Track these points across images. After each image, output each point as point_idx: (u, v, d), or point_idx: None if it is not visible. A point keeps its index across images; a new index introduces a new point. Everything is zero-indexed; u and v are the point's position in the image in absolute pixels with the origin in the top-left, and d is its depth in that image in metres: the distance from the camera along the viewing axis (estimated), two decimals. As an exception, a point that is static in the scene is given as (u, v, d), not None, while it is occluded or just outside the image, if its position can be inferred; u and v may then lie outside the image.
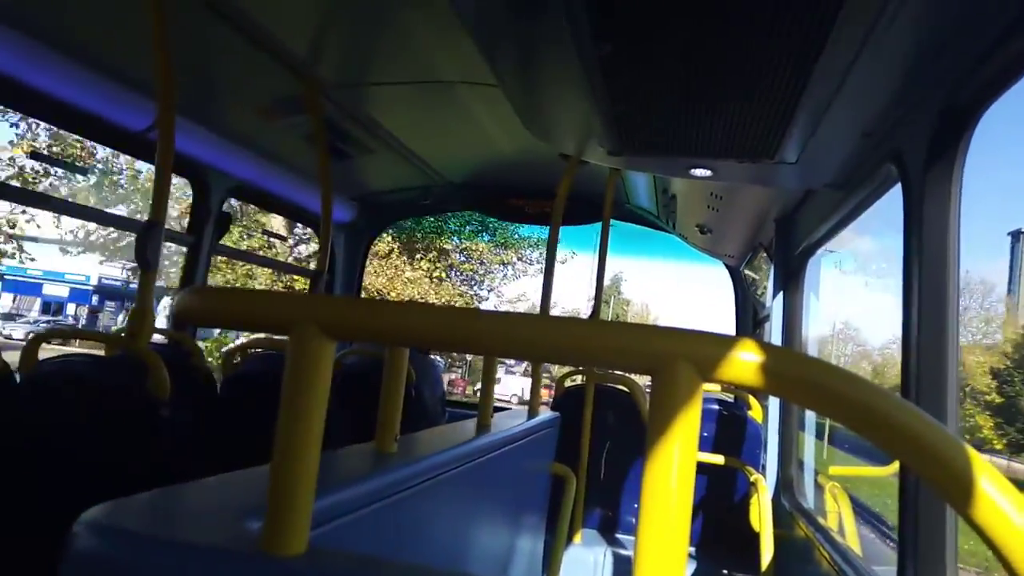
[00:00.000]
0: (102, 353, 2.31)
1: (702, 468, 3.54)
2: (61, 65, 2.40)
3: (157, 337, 2.56)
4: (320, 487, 0.75)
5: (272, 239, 13.01)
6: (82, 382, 1.86)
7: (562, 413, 2.64)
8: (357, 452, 1.24)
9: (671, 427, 0.60)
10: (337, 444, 1.21)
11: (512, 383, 23.57)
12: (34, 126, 14.79)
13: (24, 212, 15.53)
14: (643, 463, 0.62)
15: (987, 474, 0.57)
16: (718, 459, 3.48)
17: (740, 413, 3.83)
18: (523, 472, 2.20)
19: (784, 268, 3.20)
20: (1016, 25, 1.18)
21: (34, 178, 14.13)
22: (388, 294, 16.91)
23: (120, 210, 16.27)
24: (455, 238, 17.81)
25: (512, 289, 22.38)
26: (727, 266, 4.62)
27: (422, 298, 17.41)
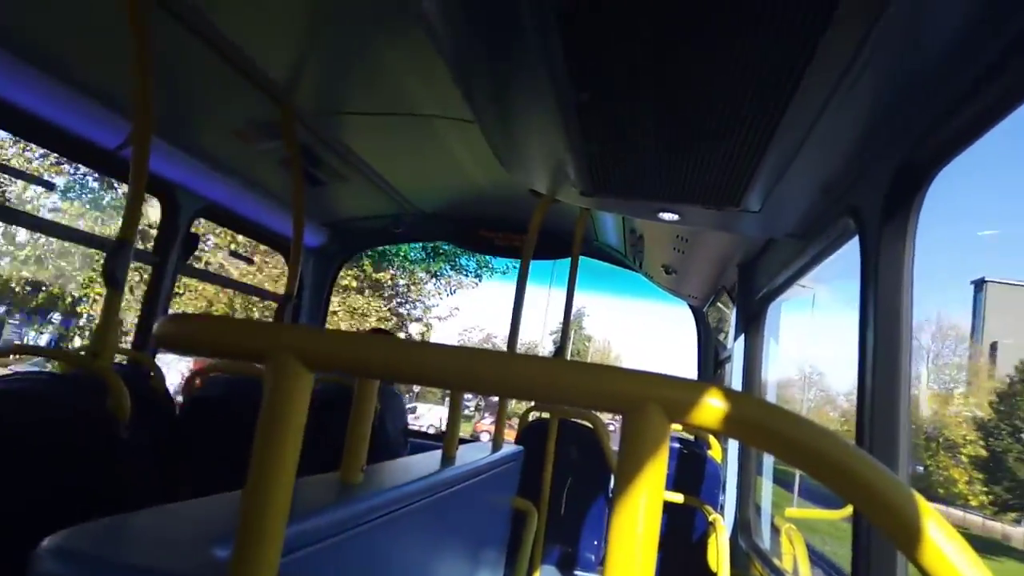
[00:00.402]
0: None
1: (663, 507, 3.55)
2: (34, 79, 2.38)
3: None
4: (289, 516, 0.75)
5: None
6: (40, 399, 1.82)
7: (525, 447, 2.65)
8: (323, 481, 1.24)
9: (640, 467, 0.62)
10: (299, 473, 1.21)
11: (430, 413, 23.30)
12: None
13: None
14: (604, 499, 0.64)
15: (934, 520, 0.60)
16: (678, 497, 3.50)
17: (700, 452, 3.87)
18: (486, 505, 2.20)
19: (745, 312, 3.28)
20: (970, 92, 1.26)
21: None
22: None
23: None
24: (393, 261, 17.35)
25: (445, 304, 21.42)
26: (691, 307, 4.70)
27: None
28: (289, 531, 0.82)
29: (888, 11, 1.11)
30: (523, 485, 2.66)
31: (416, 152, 3.29)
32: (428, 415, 23.36)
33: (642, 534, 0.62)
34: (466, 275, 19.03)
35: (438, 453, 1.88)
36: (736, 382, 3.31)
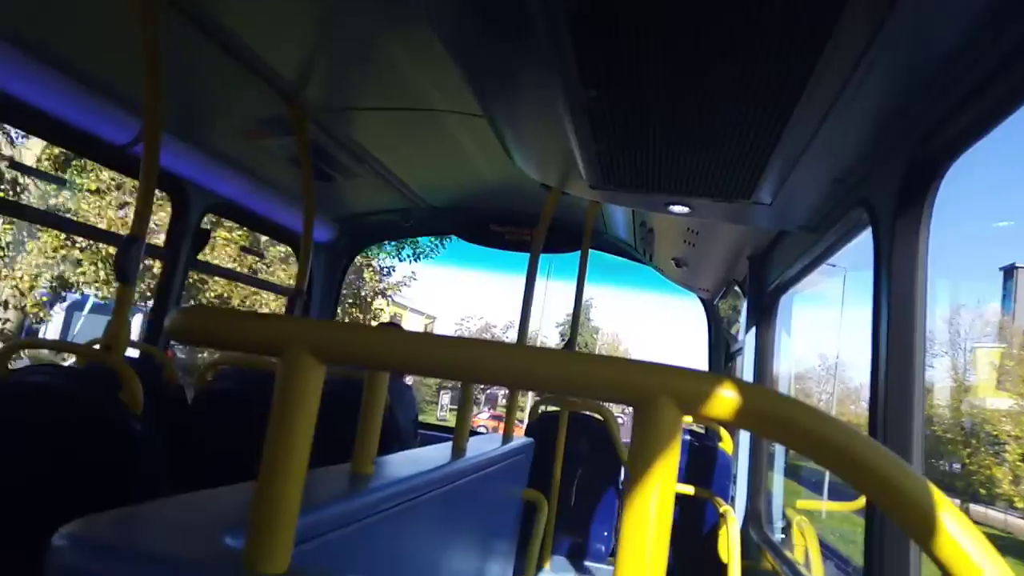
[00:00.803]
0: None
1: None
2: (46, 77, 2.40)
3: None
4: (302, 507, 0.76)
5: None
6: (54, 392, 1.83)
7: (535, 439, 2.65)
8: (336, 473, 1.24)
9: (652, 458, 0.62)
10: (311, 464, 1.22)
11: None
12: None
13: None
14: (614, 491, 0.64)
15: (949, 511, 0.60)
16: (689, 489, 3.50)
17: (711, 445, 3.87)
18: (496, 497, 2.21)
19: (757, 305, 3.26)
20: (983, 85, 1.25)
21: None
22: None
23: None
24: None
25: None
26: (702, 300, 4.69)
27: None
28: (302, 521, 0.83)
29: (898, 5, 1.10)
30: (533, 477, 2.67)
31: (425, 147, 3.29)
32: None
33: (654, 526, 0.62)
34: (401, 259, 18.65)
35: (449, 445, 1.89)
36: (748, 375, 3.30)
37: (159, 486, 1.80)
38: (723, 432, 4.07)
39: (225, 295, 15.25)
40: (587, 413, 3.90)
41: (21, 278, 11.33)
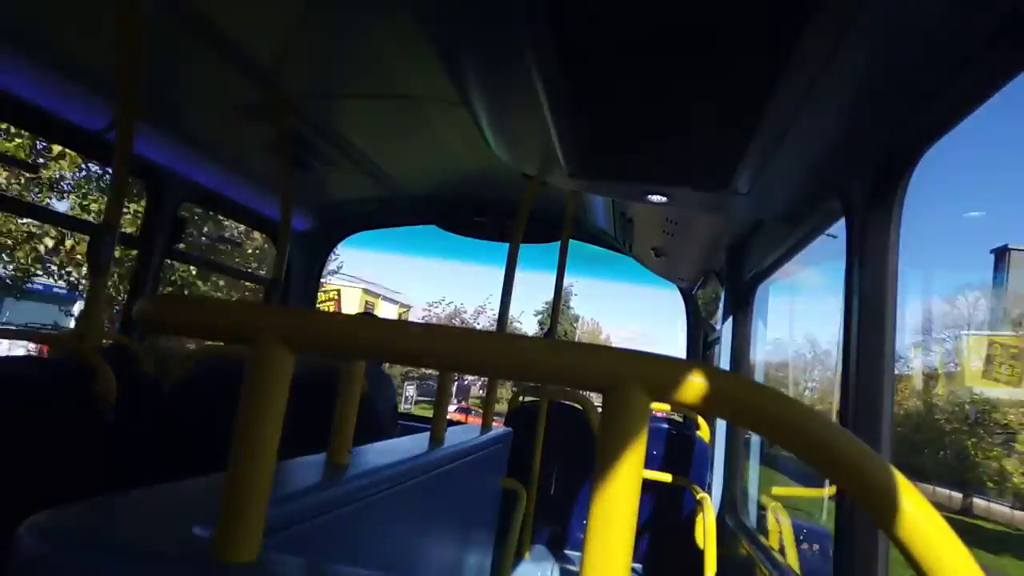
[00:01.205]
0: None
1: (651, 486, 3.59)
2: (16, 61, 2.35)
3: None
4: (272, 496, 0.76)
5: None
6: (25, 383, 1.81)
7: (515, 429, 2.66)
8: (310, 463, 1.24)
9: (620, 444, 0.63)
10: (286, 455, 1.22)
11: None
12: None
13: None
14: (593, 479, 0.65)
15: (912, 497, 0.61)
16: (666, 477, 3.54)
17: (689, 433, 3.91)
18: (475, 486, 2.22)
19: (734, 294, 3.29)
20: (954, 74, 1.27)
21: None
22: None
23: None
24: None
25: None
26: (680, 289, 4.72)
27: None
28: (275, 511, 0.83)
29: None
30: (513, 467, 2.68)
31: (405, 135, 3.27)
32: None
33: (622, 511, 0.62)
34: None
35: (426, 435, 1.89)
36: (724, 364, 3.33)
37: (133, 478, 1.79)
38: (701, 420, 4.11)
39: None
40: (567, 403, 3.92)
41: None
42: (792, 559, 2.87)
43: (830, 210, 1.99)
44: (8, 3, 2.16)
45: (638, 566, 3.70)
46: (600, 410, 0.67)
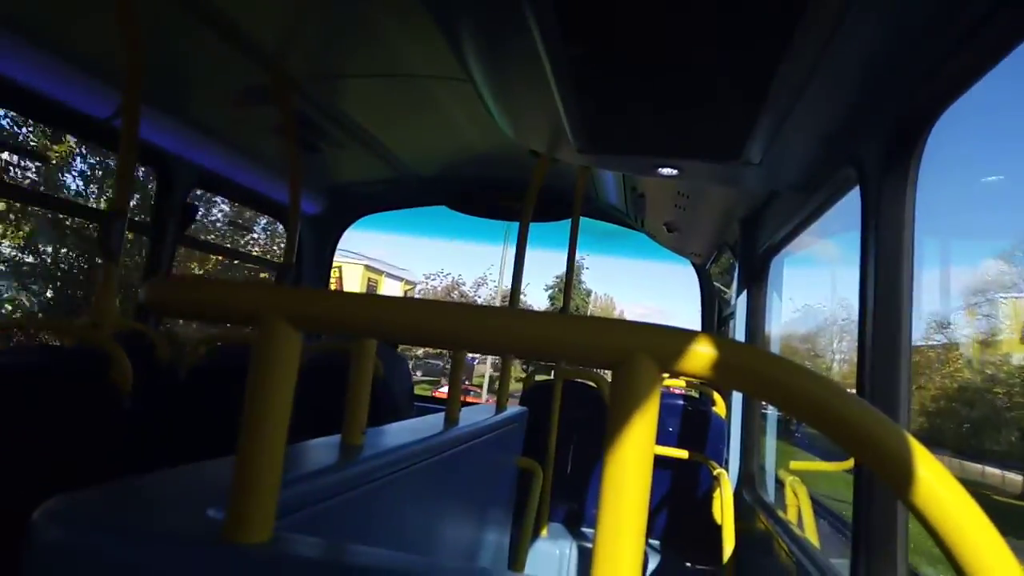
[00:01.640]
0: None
1: (667, 463, 3.59)
2: (21, 50, 2.35)
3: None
4: (286, 478, 0.75)
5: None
6: (42, 371, 1.83)
7: (530, 408, 2.66)
8: (324, 444, 1.24)
9: (631, 415, 0.62)
10: (302, 439, 1.22)
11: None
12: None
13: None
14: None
15: (932, 468, 0.59)
16: (682, 453, 3.53)
17: (704, 409, 3.90)
18: (490, 466, 2.22)
19: (748, 267, 3.26)
20: (966, 36, 1.23)
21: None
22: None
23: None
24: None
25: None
26: (693, 264, 4.69)
27: None
28: (288, 492, 0.83)
29: None
30: (528, 446, 2.68)
31: (413, 115, 3.25)
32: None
33: (634, 485, 0.62)
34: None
35: (441, 415, 1.89)
36: (740, 338, 3.31)
37: (150, 464, 1.80)
38: (716, 396, 4.09)
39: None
40: (582, 381, 3.92)
41: None
42: (811, 533, 2.87)
43: (845, 178, 1.96)
44: None
45: (656, 542, 3.71)
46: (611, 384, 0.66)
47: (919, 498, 0.59)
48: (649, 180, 3.06)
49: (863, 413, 0.61)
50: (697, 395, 4.42)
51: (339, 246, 4.76)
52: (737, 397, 3.43)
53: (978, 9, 1.17)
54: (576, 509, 3.86)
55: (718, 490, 3.17)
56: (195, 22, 2.28)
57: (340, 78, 2.89)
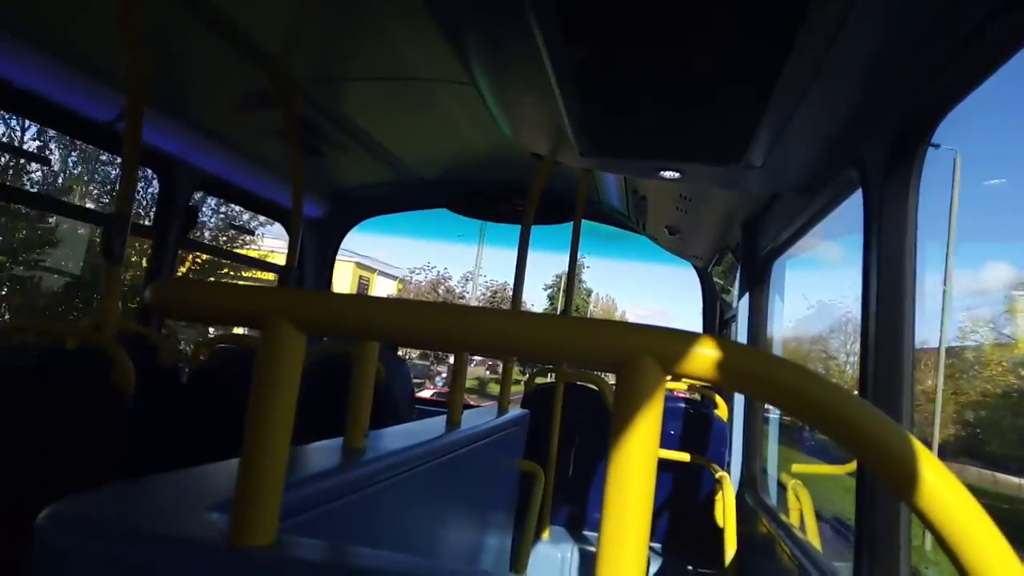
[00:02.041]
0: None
1: (669, 466, 3.59)
2: (25, 53, 2.36)
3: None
4: (289, 480, 0.75)
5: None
6: (45, 373, 1.83)
7: (532, 411, 2.66)
8: (326, 447, 1.24)
9: (635, 418, 0.62)
10: (305, 441, 1.22)
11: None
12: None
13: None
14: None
15: (935, 469, 0.59)
16: (684, 456, 3.53)
17: (707, 412, 3.89)
18: (492, 469, 2.22)
19: (750, 270, 3.26)
20: (968, 38, 1.23)
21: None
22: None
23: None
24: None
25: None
26: (695, 267, 4.69)
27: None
28: (291, 495, 0.83)
29: None
30: (530, 448, 2.68)
31: (415, 119, 3.25)
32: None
33: (638, 484, 0.61)
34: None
35: (443, 418, 1.89)
36: (742, 340, 3.30)
37: (153, 466, 1.80)
38: (718, 399, 4.09)
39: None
40: (583, 384, 3.92)
41: None
42: (813, 536, 2.86)
43: (847, 180, 1.95)
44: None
45: (658, 545, 3.71)
46: (615, 387, 0.66)
47: (922, 501, 0.59)
48: (651, 183, 3.06)
49: (866, 415, 0.60)
50: (699, 398, 4.42)
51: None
52: (739, 400, 3.43)
53: (980, 12, 1.17)
54: (578, 512, 3.85)
55: (720, 493, 3.16)
56: (198, 25, 2.29)
57: (342, 81, 2.89)
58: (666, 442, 3.67)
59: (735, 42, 1.42)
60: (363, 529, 1.19)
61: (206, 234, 16.82)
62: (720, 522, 3.06)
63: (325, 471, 1.08)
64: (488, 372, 31.50)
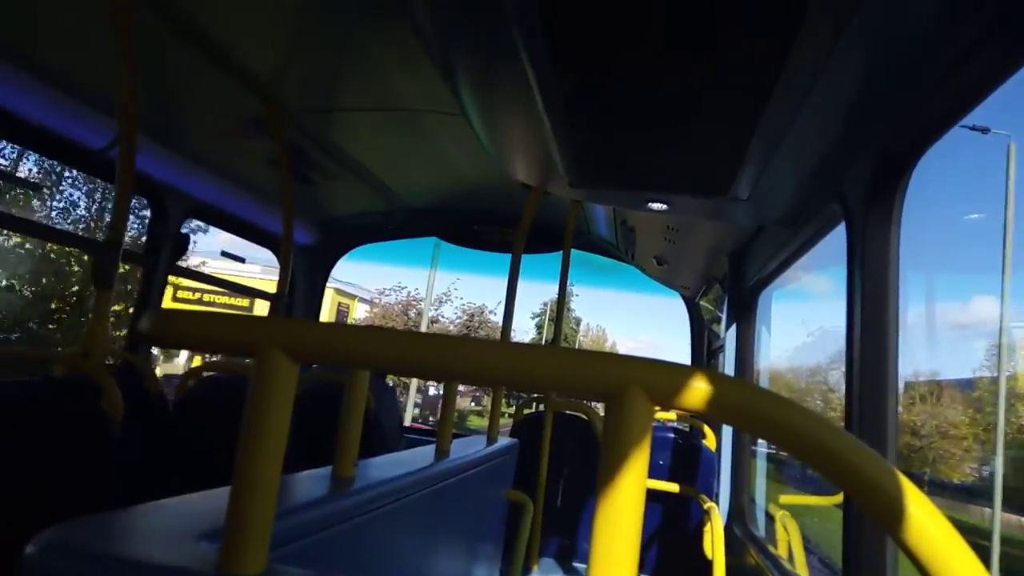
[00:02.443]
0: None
1: (658, 496, 3.58)
2: (18, 80, 2.37)
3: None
4: (279, 509, 0.76)
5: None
6: (33, 401, 1.81)
7: (521, 440, 2.65)
8: (316, 476, 1.24)
9: (625, 451, 0.63)
10: (292, 469, 1.22)
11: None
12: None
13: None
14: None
15: (920, 503, 0.60)
16: (673, 487, 3.52)
17: (695, 442, 3.89)
18: (481, 499, 2.21)
19: (737, 301, 3.29)
20: (949, 75, 1.27)
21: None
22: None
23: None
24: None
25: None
26: (683, 297, 4.72)
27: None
28: (281, 524, 0.83)
29: None
30: (519, 478, 2.67)
31: (406, 148, 3.28)
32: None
33: (627, 514, 0.62)
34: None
35: (432, 447, 1.88)
36: (730, 372, 3.32)
37: (141, 494, 1.79)
38: (707, 430, 4.09)
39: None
40: (572, 414, 3.91)
41: None
42: (801, 568, 2.85)
43: (831, 214, 1.99)
44: (9, 22, 2.18)
45: None
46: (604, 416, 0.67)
47: (907, 533, 0.60)
48: (639, 214, 3.09)
49: (852, 448, 0.62)
50: (687, 428, 4.42)
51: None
52: (727, 431, 3.43)
53: (960, 46, 1.21)
54: (567, 544, 3.82)
55: (709, 524, 3.15)
56: (191, 54, 2.32)
57: (334, 111, 2.92)
58: (655, 472, 3.66)
59: (722, 76, 1.46)
60: (352, 559, 1.18)
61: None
62: (709, 554, 3.05)
63: (315, 500, 1.08)
64: (472, 404, 30.92)
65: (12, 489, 1.63)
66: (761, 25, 1.24)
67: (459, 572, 2.01)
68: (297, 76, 2.62)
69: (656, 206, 2.40)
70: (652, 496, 3.47)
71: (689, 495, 3.56)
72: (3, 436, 1.69)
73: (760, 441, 3.46)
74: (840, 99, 1.51)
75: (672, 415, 4.18)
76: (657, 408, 0.66)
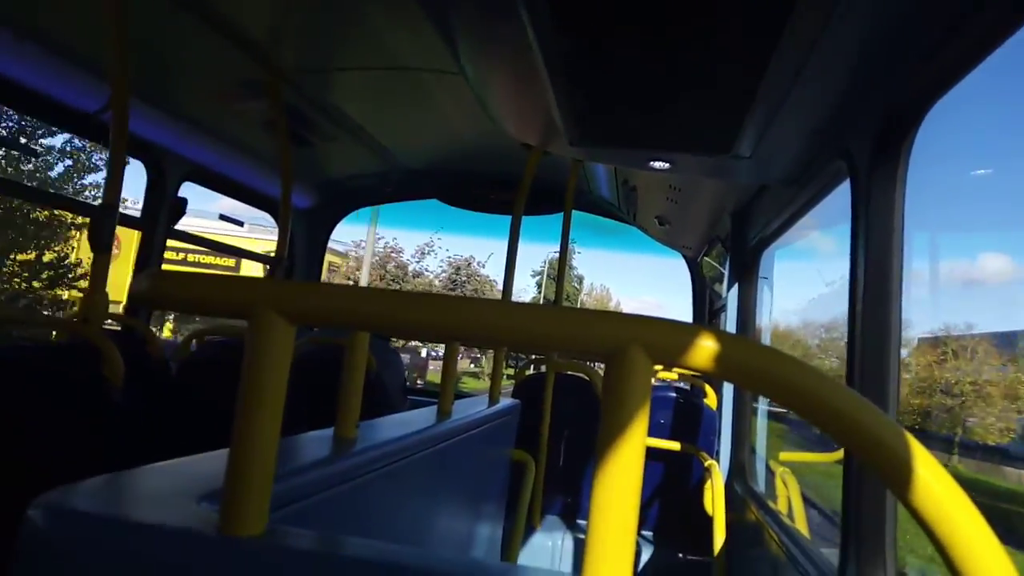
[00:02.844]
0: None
1: (659, 455, 3.61)
2: (8, 42, 2.33)
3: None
4: (279, 471, 0.76)
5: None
6: (33, 367, 1.82)
7: (522, 401, 2.67)
8: (317, 437, 1.25)
9: (623, 408, 0.62)
10: (297, 431, 1.22)
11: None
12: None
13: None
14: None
15: (923, 459, 0.60)
16: (674, 445, 3.55)
17: (696, 401, 3.92)
18: (483, 458, 2.23)
19: (739, 260, 3.27)
20: (955, 29, 1.24)
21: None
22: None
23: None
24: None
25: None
26: (685, 257, 4.71)
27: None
28: (282, 485, 0.83)
29: None
30: (521, 438, 2.69)
31: (404, 108, 3.24)
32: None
33: (626, 472, 0.62)
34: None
35: (434, 408, 1.89)
36: (731, 330, 3.32)
37: (142, 458, 1.80)
38: (708, 388, 4.12)
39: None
40: (573, 374, 3.93)
41: None
42: (801, 523, 2.89)
43: (835, 171, 1.97)
44: None
45: (648, 534, 3.74)
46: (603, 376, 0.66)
47: (909, 489, 0.60)
48: (641, 173, 3.06)
49: (854, 404, 0.61)
50: (688, 387, 4.44)
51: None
52: (728, 388, 3.45)
53: (965, 3, 1.18)
54: (570, 502, 3.87)
55: (709, 481, 3.19)
56: (185, 15, 2.27)
57: (330, 71, 2.87)
58: (656, 431, 3.69)
59: (724, 32, 1.42)
60: (354, 519, 1.19)
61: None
62: (709, 510, 3.09)
63: (316, 461, 1.08)
64: (472, 365, 30.33)
65: (13, 453, 1.64)
66: None
67: (462, 530, 2.04)
68: (293, 36, 2.57)
69: (658, 165, 2.37)
70: (653, 454, 3.51)
71: (690, 453, 3.59)
72: (3, 401, 1.70)
73: (761, 398, 3.48)
74: (844, 55, 1.47)
75: (674, 374, 4.20)
76: (659, 368, 0.65)
